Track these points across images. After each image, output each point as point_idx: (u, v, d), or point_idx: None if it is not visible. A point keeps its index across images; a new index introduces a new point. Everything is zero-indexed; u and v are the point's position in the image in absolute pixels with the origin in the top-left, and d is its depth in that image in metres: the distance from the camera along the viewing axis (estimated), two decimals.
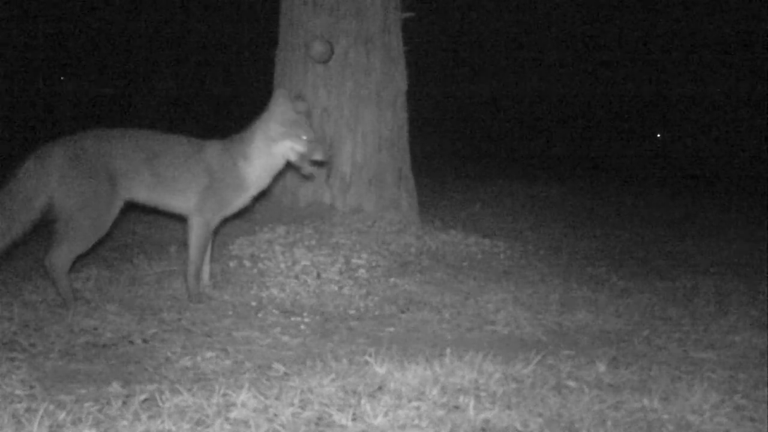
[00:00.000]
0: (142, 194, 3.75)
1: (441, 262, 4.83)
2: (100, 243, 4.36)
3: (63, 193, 3.54)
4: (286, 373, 2.74)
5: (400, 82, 5.57)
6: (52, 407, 2.30)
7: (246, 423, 2.25)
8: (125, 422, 2.23)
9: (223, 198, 3.81)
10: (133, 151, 3.69)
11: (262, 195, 4.22)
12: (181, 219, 4.01)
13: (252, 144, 3.79)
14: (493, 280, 4.46)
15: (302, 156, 3.78)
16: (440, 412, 2.38)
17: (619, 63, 21.12)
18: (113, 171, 3.63)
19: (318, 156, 3.82)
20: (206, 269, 4.02)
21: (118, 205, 3.68)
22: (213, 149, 3.83)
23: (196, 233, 3.79)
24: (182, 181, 3.76)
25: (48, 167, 3.55)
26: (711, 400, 2.60)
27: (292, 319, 3.60)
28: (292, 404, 2.38)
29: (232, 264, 4.33)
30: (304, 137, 3.76)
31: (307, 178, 4.21)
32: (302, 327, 3.48)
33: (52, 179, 3.54)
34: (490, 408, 2.42)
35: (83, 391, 2.52)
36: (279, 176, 5.43)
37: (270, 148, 3.79)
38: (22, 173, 3.54)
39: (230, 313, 3.64)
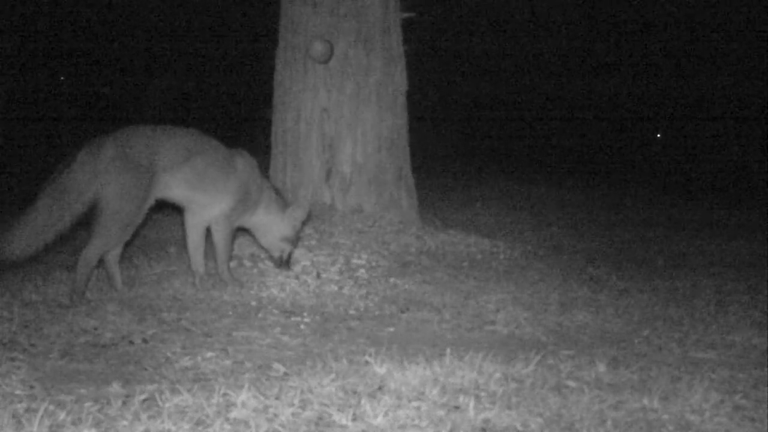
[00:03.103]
0: (179, 192, 3.89)
1: (441, 262, 4.83)
2: None
3: (106, 184, 3.63)
4: (286, 373, 2.74)
5: (400, 82, 5.57)
6: (52, 407, 2.30)
7: (246, 423, 2.25)
8: (125, 422, 2.23)
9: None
10: (178, 148, 3.84)
11: None
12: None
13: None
14: (493, 280, 4.46)
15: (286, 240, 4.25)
16: (440, 412, 2.38)
17: (620, 63, 21.12)
18: (156, 167, 3.75)
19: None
20: (201, 262, 4.12)
21: (150, 203, 3.81)
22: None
23: (223, 234, 4.06)
24: (221, 182, 3.97)
25: (99, 161, 3.64)
26: (711, 400, 2.60)
27: (292, 319, 3.60)
28: (292, 404, 2.37)
29: (232, 264, 4.33)
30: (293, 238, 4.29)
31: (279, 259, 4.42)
32: (302, 327, 3.48)
33: (100, 173, 3.63)
34: (490, 408, 2.42)
35: (83, 391, 2.52)
36: (279, 176, 5.44)
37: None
38: (75, 166, 3.62)
39: (230, 313, 3.64)
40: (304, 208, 4.30)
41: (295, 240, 4.31)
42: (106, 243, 3.71)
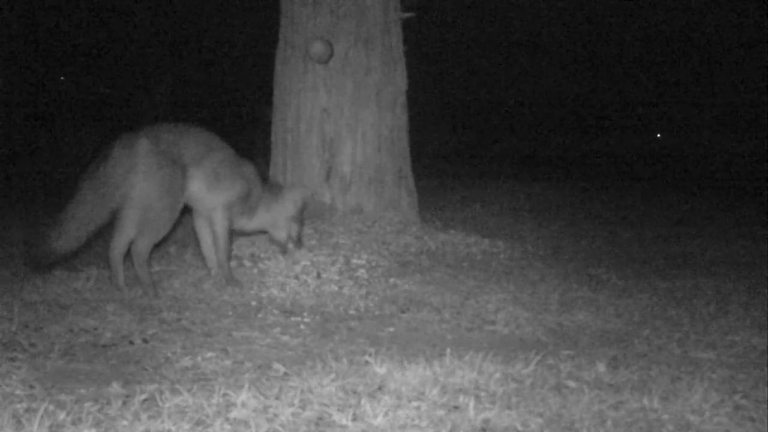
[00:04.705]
0: (195, 188, 3.97)
1: (441, 262, 4.83)
2: (98, 243, 4.37)
3: (147, 181, 3.73)
4: (286, 373, 2.74)
5: (400, 82, 5.57)
6: (52, 407, 2.30)
7: (246, 423, 2.25)
8: (125, 422, 2.23)
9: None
10: (199, 143, 3.97)
11: None
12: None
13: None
14: (493, 280, 4.46)
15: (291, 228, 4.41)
16: (440, 412, 2.38)
17: (619, 63, 21.13)
18: (184, 160, 3.87)
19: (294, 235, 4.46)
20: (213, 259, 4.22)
21: (185, 195, 3.92)
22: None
23: (222, 224, 4.11)
24: (229, 180, 4.08)
25: (134, 156, 3.73)
26: (711, 400, 2.60)
27: (292, 319, 3.60)
28: (292, 404, 2.38)
29: (232, 264, 4.33)
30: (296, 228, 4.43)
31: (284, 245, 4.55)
32: (302, 327, 3.48)
33: (137, 167, 3.73)
34: (490, 408, 2.42)
35: (83, 391, 2.52)
36: (279, 176, 5.45)
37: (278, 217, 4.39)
38: (111, 160, 3.72)
39: (230, 313, 3.64)
40: (303, 188, 4.51)
41: (301, 219, 4.45)
42: (155, 236, 3.82)
